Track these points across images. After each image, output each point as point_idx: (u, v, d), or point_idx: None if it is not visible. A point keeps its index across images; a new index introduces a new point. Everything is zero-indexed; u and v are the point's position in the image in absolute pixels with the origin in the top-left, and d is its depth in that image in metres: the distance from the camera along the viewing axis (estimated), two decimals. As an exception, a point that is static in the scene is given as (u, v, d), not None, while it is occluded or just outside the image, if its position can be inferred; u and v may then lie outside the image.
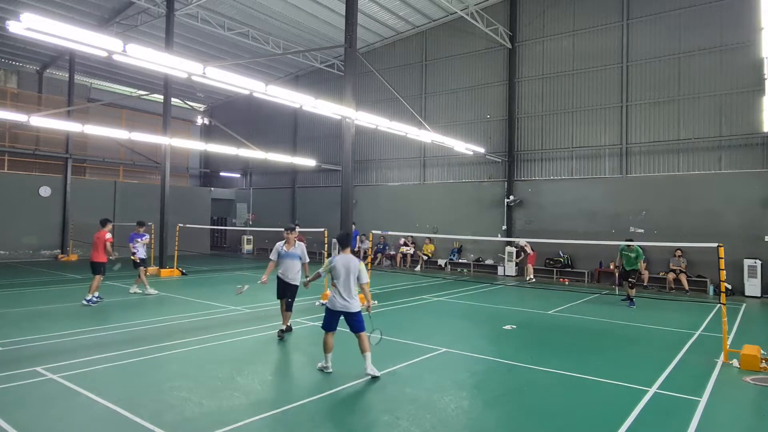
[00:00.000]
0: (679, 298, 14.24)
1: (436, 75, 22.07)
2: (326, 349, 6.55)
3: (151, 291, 12.63)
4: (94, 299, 11.14)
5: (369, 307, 6.75)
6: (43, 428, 4.75)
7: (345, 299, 6.47)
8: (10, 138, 22.08)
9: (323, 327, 6.63)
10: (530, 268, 17.84)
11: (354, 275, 6.53)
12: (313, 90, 23.91)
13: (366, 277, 6.63)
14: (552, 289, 13.44)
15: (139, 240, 12.85)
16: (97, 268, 11.34)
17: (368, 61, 20.93)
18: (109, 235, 11.50)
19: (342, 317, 6.54)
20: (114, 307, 10.99)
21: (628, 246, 12.71)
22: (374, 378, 6.28)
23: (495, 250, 20.17)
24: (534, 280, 17.55)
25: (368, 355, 6.42)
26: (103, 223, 11.66)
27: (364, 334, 6.49)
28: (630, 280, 12.78)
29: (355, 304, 6.54)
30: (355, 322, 6.51)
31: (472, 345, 8.22)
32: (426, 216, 21.80)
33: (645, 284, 16.23)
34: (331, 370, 6.50)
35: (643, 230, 16.85)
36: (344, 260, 6.58)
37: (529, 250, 18.03)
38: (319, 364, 6.64)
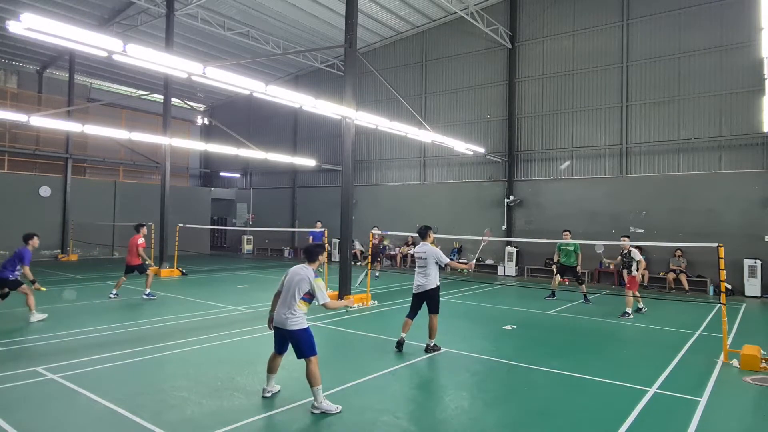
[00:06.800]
0: (679, 298, 14.23)
1: (436, 75, 22.06)
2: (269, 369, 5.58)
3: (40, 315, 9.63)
4: (152, 294, 12.04)
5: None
6: (43, 428, 4.75)
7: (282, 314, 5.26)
8: (10, 138, 22.07)
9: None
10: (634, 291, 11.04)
11: (299, 288, 5.21)
12: (313, 90, 23.91)
13: (324, 297, 5.22)
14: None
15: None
16: (129, 270, 12.17)
17: (368, 61, 20.94)
18: (141, 240, 12.12)
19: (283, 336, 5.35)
20: (114, 307, 11.00)
21: (565, 239, 12.92)
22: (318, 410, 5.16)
23: (495, 250, 20.17)
24: (634, 311, 11.03)
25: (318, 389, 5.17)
26: (137, 228, 12.31)
27: (313, 359, 5.18)
28: (579, 278, 13.06)
29: (293, 321, 5.20)
30: (297, 345, 5.22)
31: (472, 345, 8.23)
32: (426, 216, 21.70)
33: (645, 284, 16.24)
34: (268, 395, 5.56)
35: (643, 230, 16.85)
36: (294, 271, 5.38)
37: (637, 260, 11.05)
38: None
